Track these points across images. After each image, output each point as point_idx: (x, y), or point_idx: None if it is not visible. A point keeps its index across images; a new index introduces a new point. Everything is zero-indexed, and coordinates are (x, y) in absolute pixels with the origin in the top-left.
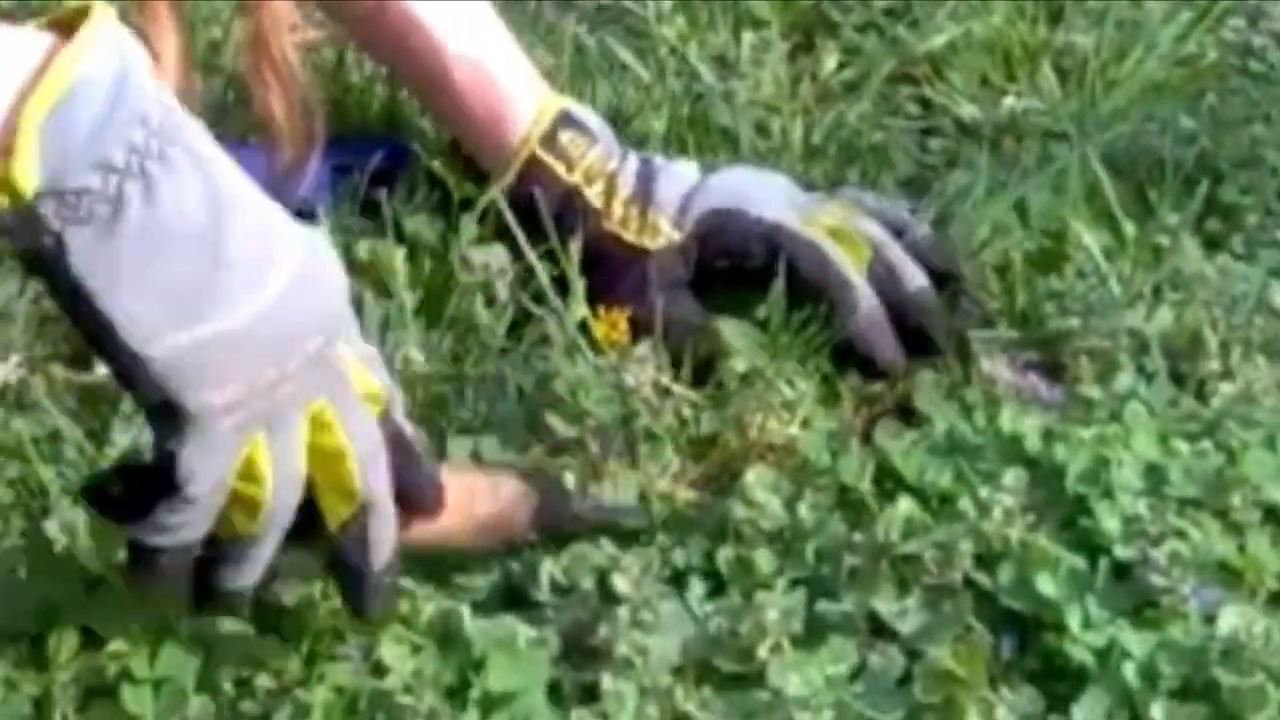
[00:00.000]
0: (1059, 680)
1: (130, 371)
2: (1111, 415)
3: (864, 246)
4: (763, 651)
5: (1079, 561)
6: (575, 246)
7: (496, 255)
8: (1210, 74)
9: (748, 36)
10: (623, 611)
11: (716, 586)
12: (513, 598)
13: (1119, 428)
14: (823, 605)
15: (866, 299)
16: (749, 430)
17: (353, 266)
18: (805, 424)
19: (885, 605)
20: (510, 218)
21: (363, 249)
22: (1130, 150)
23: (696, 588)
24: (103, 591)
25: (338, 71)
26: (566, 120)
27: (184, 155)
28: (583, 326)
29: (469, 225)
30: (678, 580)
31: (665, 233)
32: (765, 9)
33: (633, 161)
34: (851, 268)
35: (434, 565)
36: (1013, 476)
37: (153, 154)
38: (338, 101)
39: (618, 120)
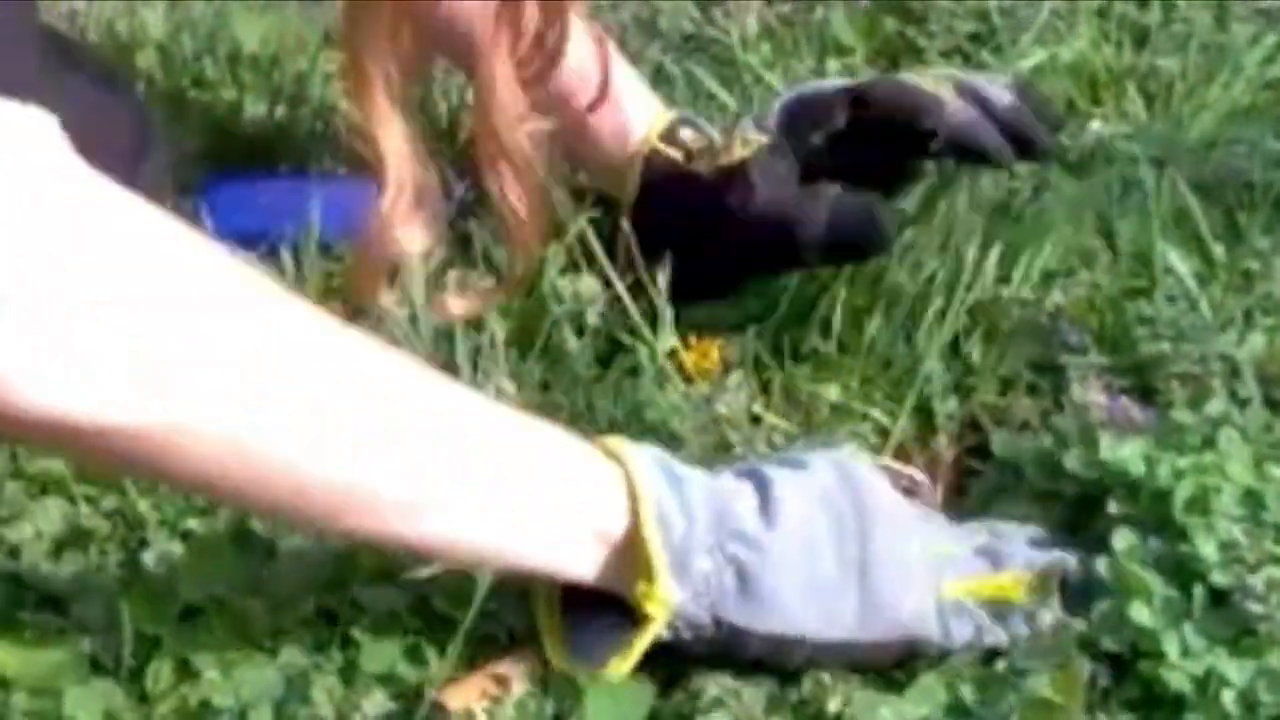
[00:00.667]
0: (1157, 709)
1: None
2: (1205, 441)
3: (944, 81)
4: (847, 693)
5: (1174, 591)
6: (664, 277)
7: (586, 285)
8: None
9: (832, 63)
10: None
11: None
12: None
13: (1214, 454)
14: None
15: (954, 103)
16: None
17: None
18: (899, 454)
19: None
20: (597, 248)
21: (452, 280)
22: (1218, 174)
23: None
24: (200, 622)
25: (424, 102)
26: (685, 121)
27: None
28: (672, 355)
29: (558, 255)
30: None
31: (753, 140)
32: (850, 35)
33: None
34: (933, 88)
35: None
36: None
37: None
38: (424, 132)
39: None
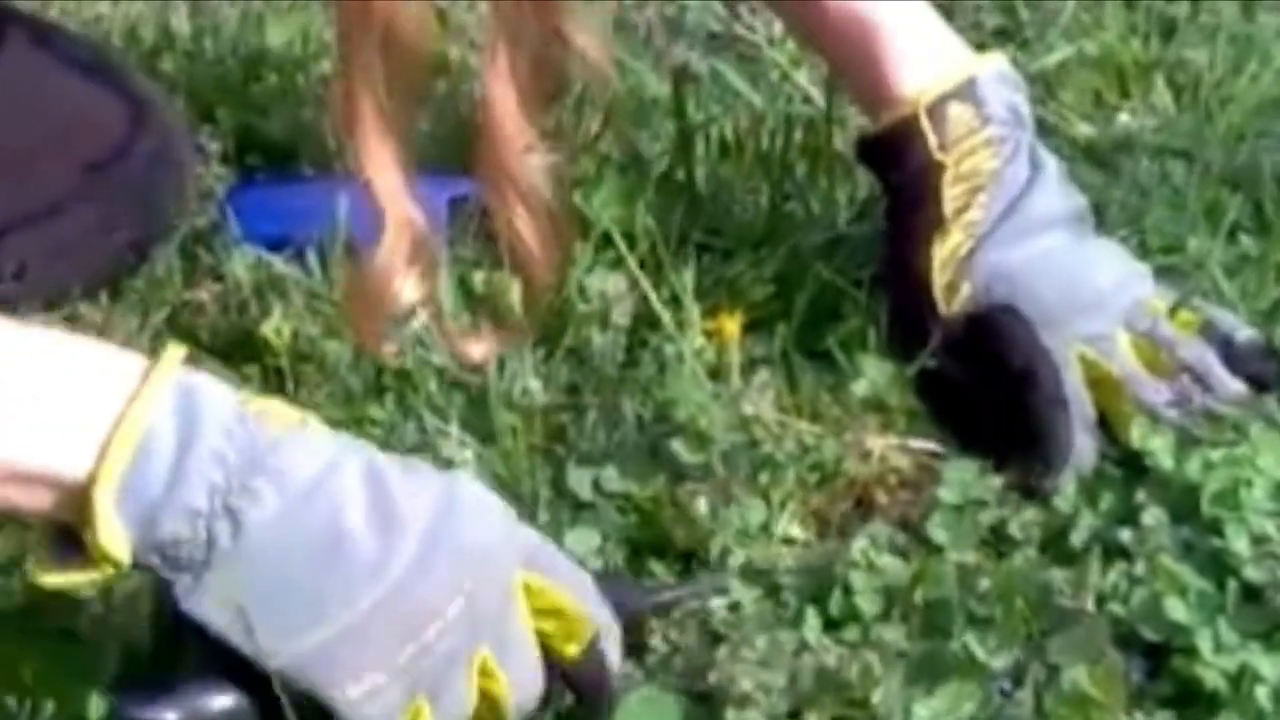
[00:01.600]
0: (1192, 705)
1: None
2: (1238, 433)
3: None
4: (881, 690)
5: (1208, 585)
6: (689, 274)
7: (613, 282)
8: None
9: None
10: (743, 650)
11: (831, 624)
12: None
13: (1247, 446)
14: (937, 645)
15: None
16: (871, 458)
17: (469, 297)
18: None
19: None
20: (622, 246)
21: (479, 280)
22: (1247, 165)
23: (813, 623)
24: None
25: (453, 100)
26: (969, 90)
27: (268, 483)
28: (699, 354)
29: (585, 253)
30: (795, 620)
31: (961, 299)
32: None
33: (1010, 184)
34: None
35: None
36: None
37: (234, 489)
38: (454, 132)
39: (729, 147)
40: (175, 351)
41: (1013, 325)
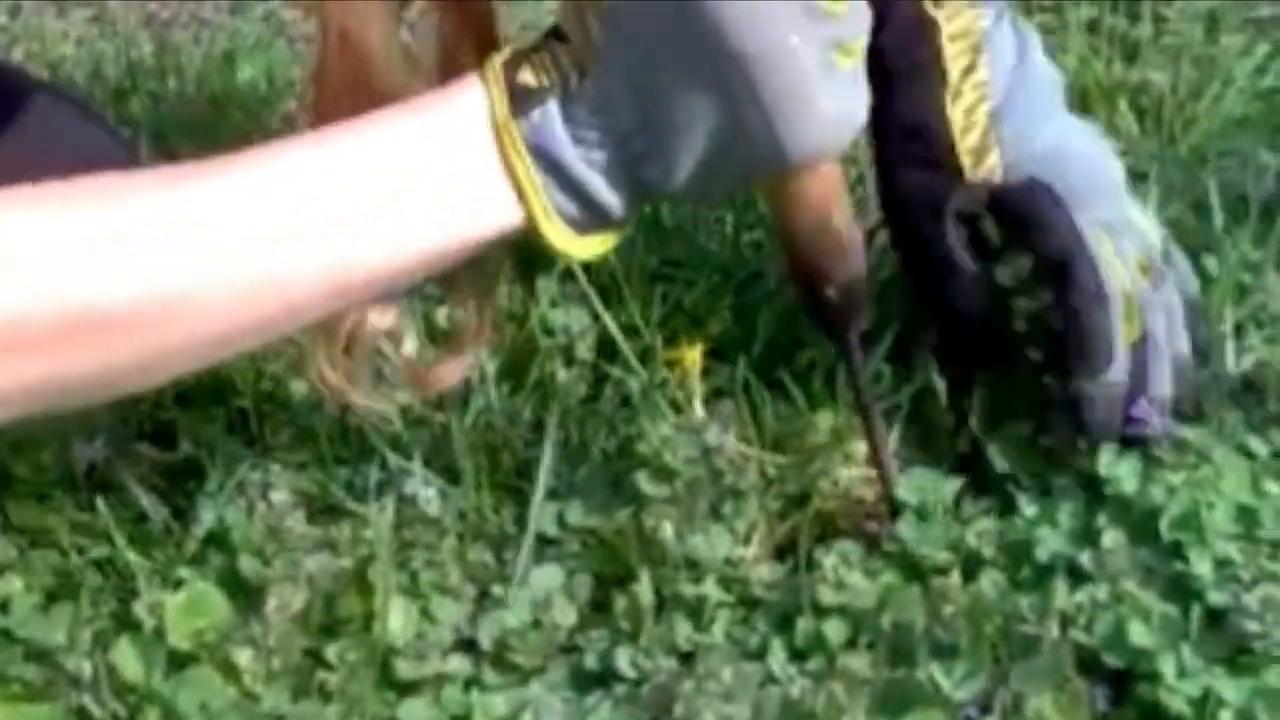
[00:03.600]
0: None
1: None
2: (1201, 457)
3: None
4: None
5: (1172, 609)
6: (651, 305)
7: (576, 317)
8: None
9: None
10: (708, 682)
11: (797, 654)
12: (588, 679)
13: (1209, 470)
14: (903, 674)
15: (1117, 372)
16: (835, 491)
17: (434, 334)
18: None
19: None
20: (584, 280)
21: (442, 316)
22: (1210, 187)
23: (778, 654)
24: (188, 671)
25: None
26: None
27: None
28: (662, 386)
29: (549, 288)
30: (760, 651)
31: (988, 167)
32: None
33: (1004, 45)
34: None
35: (504, 651)
36: (1110, 537)
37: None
38: None
39: None
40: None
41: (1052, 207)
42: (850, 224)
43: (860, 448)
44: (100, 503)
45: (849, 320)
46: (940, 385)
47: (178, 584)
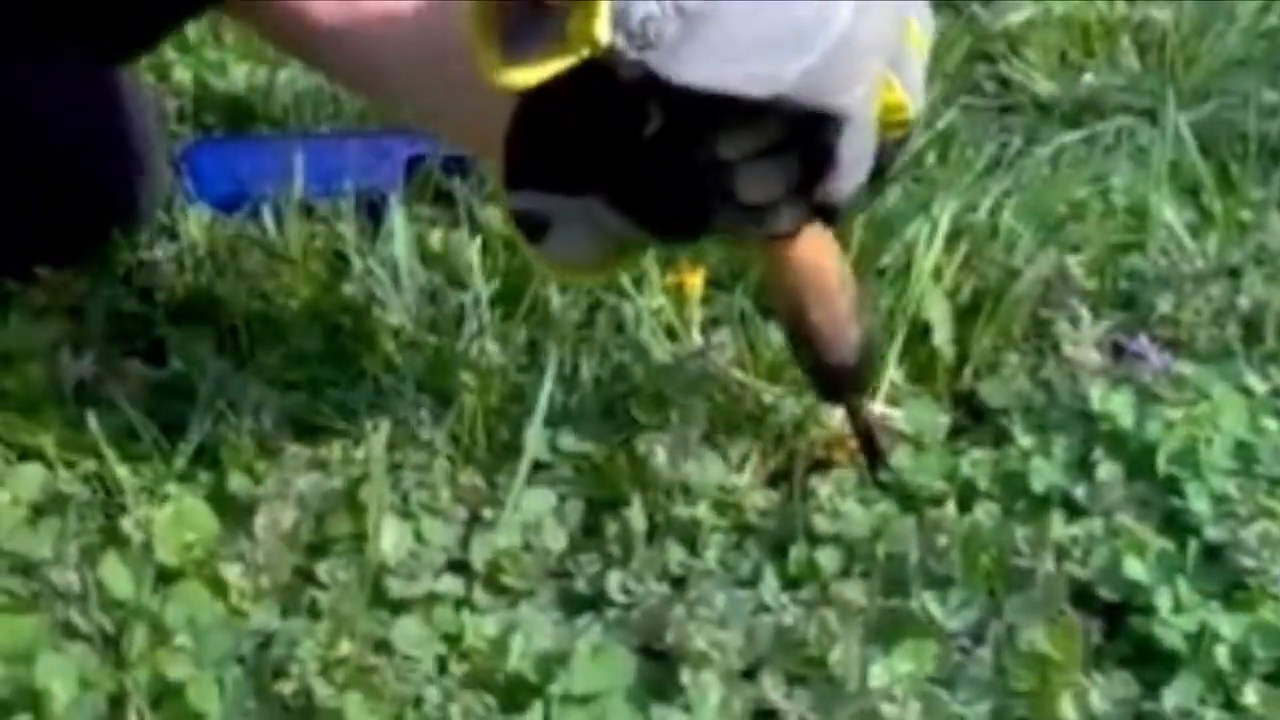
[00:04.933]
0: (1151, 664)
1: (775, 112)
2: (1199, 393)
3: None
4: (838, 649)
5: (1168, 544)
6: None
7: None
8: None
9: None
10: (700, 608)
11: (790, 582)
12: (579, 603)
13: (1208, 406)
14: (896, 603)
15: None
16: (830, 421)
17: (427, 257)
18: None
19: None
20: None
21: (436, 240)
22: (1212, 125)
23: (771, 582)
24: (176, 587)
25: None
26: None
27: None
28: (658, 313)
29: None
30: (753, 578)
31: None
32: None
33: None
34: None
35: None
36: (1105, 470)
37: None
38: None
39: None
40: None
41: None
42: (847, 287)
43: None
44: (89, 418)
45: (851, 388)
46: (937, 318)
47: (166, 500)
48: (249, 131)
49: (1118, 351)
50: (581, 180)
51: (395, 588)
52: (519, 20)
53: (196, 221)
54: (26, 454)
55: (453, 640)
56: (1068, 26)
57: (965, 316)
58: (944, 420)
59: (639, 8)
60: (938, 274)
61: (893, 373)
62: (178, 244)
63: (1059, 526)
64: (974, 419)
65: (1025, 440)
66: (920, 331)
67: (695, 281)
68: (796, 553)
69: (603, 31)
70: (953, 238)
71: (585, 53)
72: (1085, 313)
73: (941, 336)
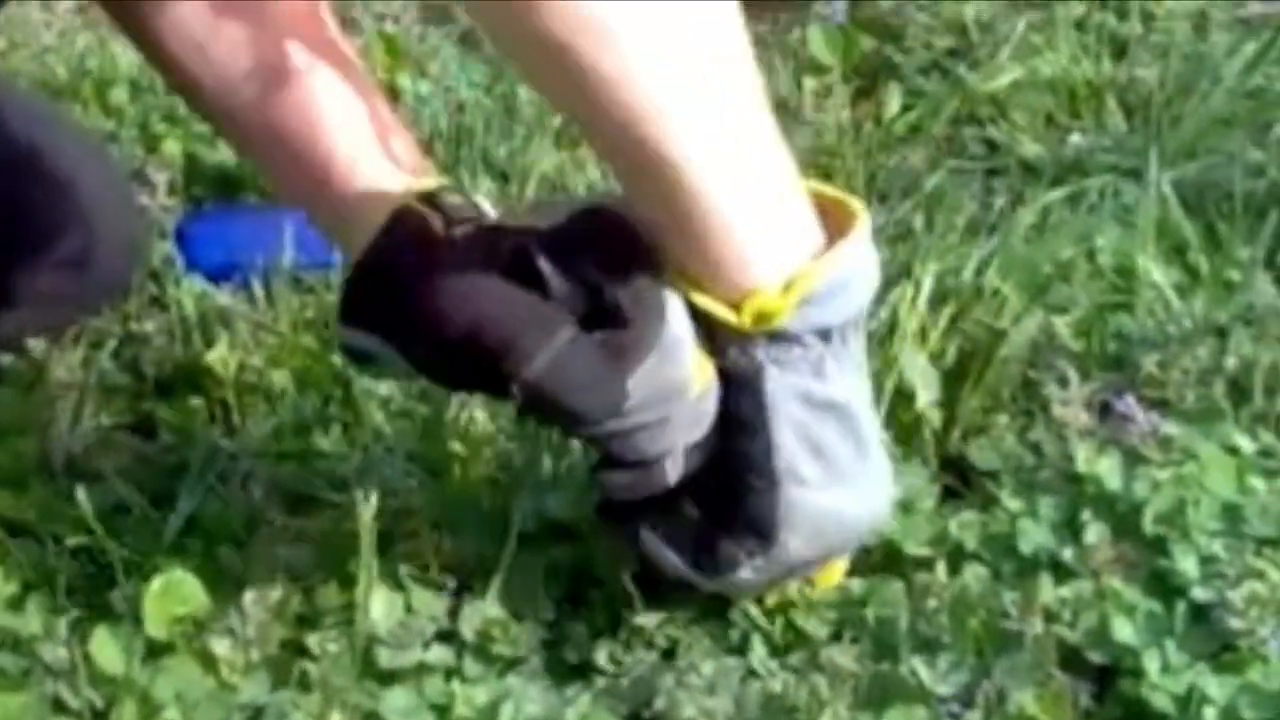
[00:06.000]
0: None
1: (755, 485)
2: (1186, 454)
3: None
4: (828, 714)
5: (1156, 606)
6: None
7: None
8: (1277, 105)
9: (809, 82)
10: (689, 676)
11: (779, 649)
12: (568, 671)
13: (1194, 466)
14: (886, 668)
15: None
16: None
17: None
18: None
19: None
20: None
21: None
22: (1199, 185)
23: (759, 649)
24: (166, 661)
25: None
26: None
27: (854, 351)
28: None
29: None
30: (741, 645)
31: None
32: (827, 54)
33: None
34: None
35: (485, 642)
36: (1093, 532)
37: (846, 342)
38: None
39: None
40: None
41: None
42: None
43: None
44: (79, 492)
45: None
46: (921, 382)
47: (155, 573)
48: (239, 203)
49: (1105, 411)
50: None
51: (385, 658)
52: None
53: (187, 293)
54: (15, 529)
55: (442, 710)
56: (1054, 89)
57: (952, 379)
58: (934, 487)
59: (801, 329)
60: (922, 336)
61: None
62: (168, 315)
63: (1047, 589)
64: (962, 482)
65: (1013, 503)
66: (907, 395)
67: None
68: (785, 619)
69: (780, 320)
70: (938, 300)
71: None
72: (1073, 374)
73: (926, 399)
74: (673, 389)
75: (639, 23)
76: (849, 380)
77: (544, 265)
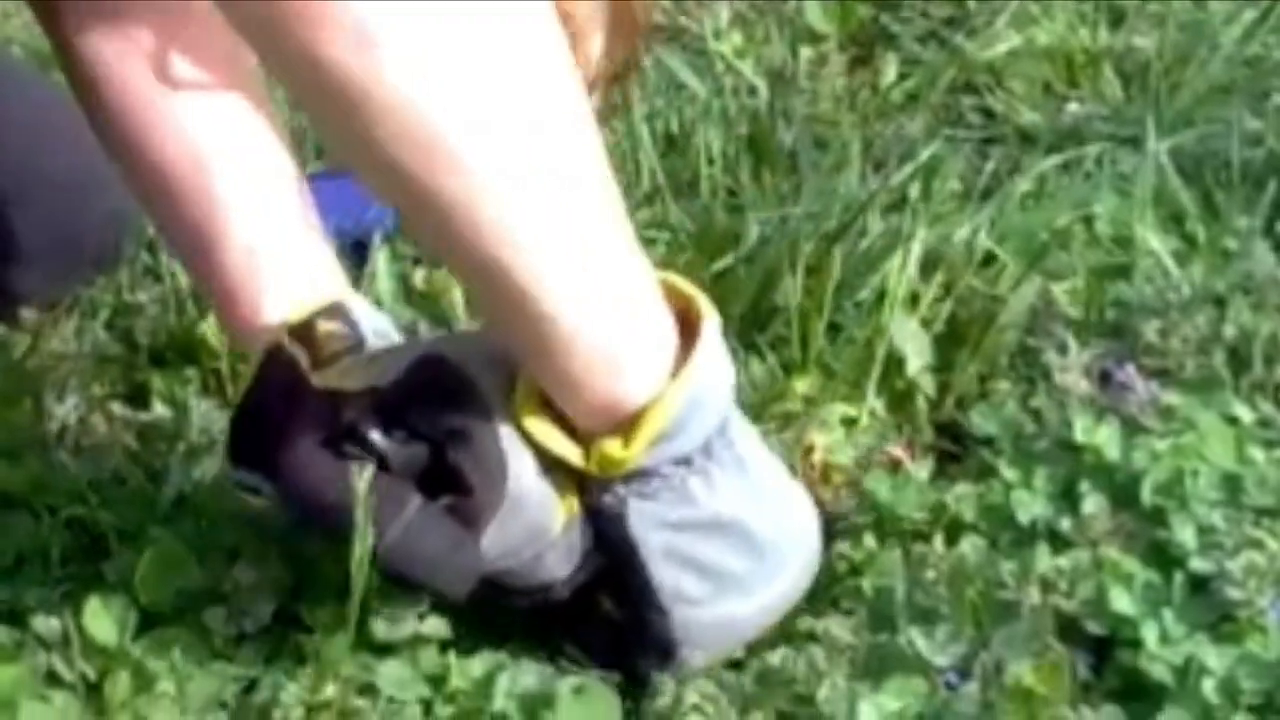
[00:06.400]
0: (1139, 698)
1: (646, 614)
2: (1186, 423)
3: None
4: (826, 686)
5: (1154, 576)
6: None
7: None
8: (1276, 73)
9: (805, 51)
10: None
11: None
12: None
13: (1193, 436)
14: (884, 639)
15: None
16: (812, 456)
17: (410, 295)
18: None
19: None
20: None
21: (419, 277)
22: (1197, 153)
23: None
24: (159, 633)
25: None
26: (338, 311)
27: (732, 456)
28: None
29: None
30: None
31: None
32: (823, 22)
33: None
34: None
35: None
36: (1091, 502)
37: (714, 455)
38: None
39: (675, 139)
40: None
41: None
42: None
43: (836, 410)
44: (72, 462)
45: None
46: (912, 348)
47: (149, 544)
48: None
49: (1105, 380)
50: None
51: (380, 630)
52: None
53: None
54: (9, 500)
55: (437, 682)
56: (1051, 57)
57: (946, 346)
58: (927, 457)
59: (659, 461)
60: (914, 302)
61: (871, 402)
62: (161, 286)
63: (1045, 559)
64: (958, 448)
65: (1009, 472)
66: (898, 361)
67: None
68: None
69: (629, 465)
70: (929, 266)
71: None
72: (1072, 341)
73: (917, 365)
74: (532, 534)
75: (484, 144)
76: (725, 491)
77: (379, 440)
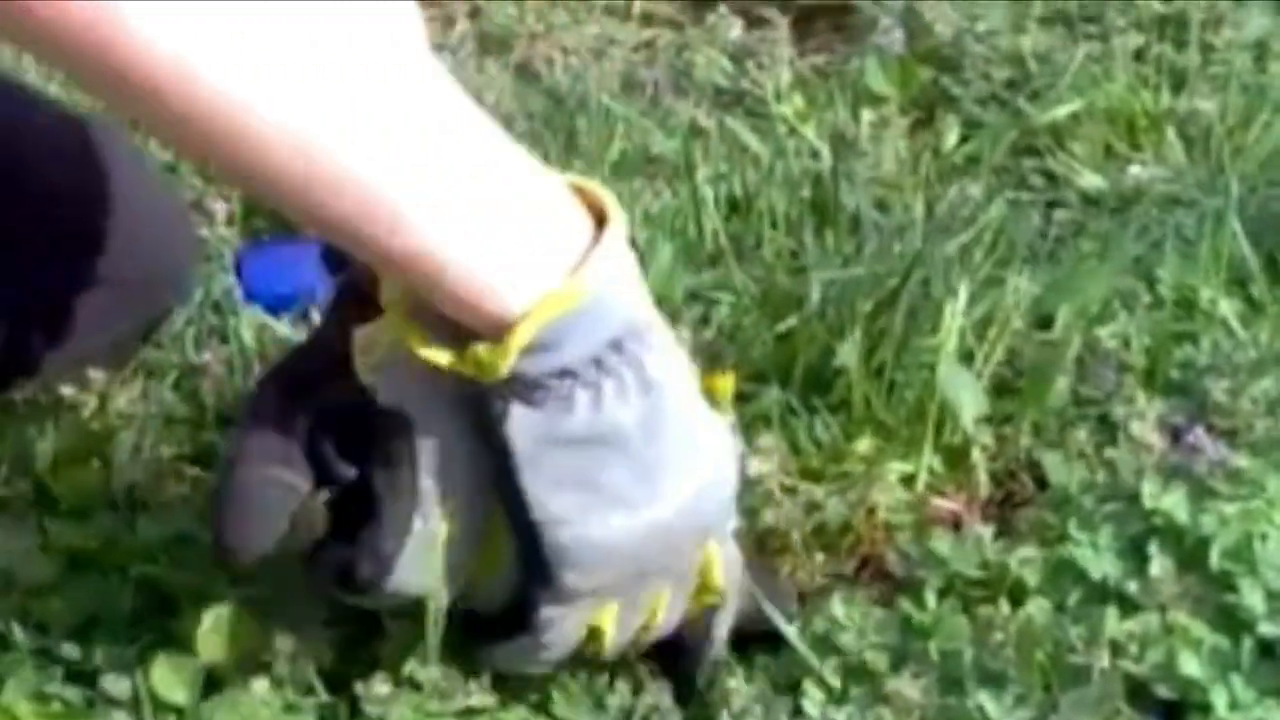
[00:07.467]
0: None
1: (523, 532)
2: (1255, 487)
3: None
4: None
5: (1223, 641)
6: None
7: None
8: None
9: (867, 114)
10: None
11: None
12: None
13: (1262, 501)
14: (952, 701)
15: None
16: (876, 515)
17: None
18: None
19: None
20: None
21: None
22: (1260, 215)
23: (814, 694)
24: (224, 692)
25: None
26: None
27: (635, 379)
28: None
29: None
30: (793, 688)
31: None
32: (884, 85)
33: None
34: None
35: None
36: (1159, 565)
37: (610, 372)
38: None
39: (738, 202)
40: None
41: None
42: None
43: (894, 469)
44: (142, 522)
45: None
46: (964, 402)
47: (217, 605)
48: (299, 234)
49: (1175, 438)
50: None
51: (433, 707)
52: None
53: (248, 324)
54: (79, 559)
55: None
56: (1113, 120)
57: (1003, 400)
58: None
59: (544, 371)
60: (969, 359)
61: (928, 458)
62: (227, 347)
63: (1113, 622)
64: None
65: (1076, 533)
66: (954, 415)
67: (726, 386)
68: (830, 665)
69: (504, 370)
70: (985, 323)
71: (473, 373)
72: (1141, 396)
73: (970, 416)
74: None
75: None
76: (616, 409)
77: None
